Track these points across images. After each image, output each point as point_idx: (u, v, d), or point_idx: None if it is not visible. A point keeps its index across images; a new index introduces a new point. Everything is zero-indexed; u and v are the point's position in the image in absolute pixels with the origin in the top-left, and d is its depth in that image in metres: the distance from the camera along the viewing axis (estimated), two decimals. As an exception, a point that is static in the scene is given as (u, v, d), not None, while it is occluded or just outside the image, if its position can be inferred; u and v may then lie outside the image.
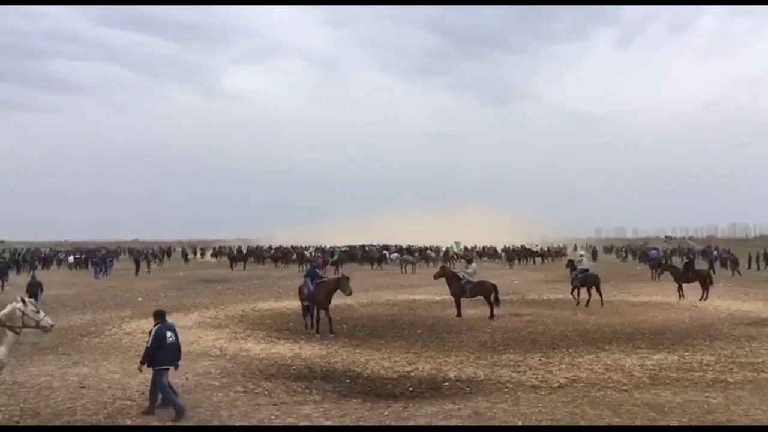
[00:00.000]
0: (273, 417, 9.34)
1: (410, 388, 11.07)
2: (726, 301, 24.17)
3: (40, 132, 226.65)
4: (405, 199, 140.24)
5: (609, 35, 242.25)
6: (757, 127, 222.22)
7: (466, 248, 66.16)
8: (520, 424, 8.85)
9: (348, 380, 11.74)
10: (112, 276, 42.92)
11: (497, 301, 20.19)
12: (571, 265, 24.95)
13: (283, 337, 16.53)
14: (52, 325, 10.45)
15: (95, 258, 49.72)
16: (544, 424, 8.85)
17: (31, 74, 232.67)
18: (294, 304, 18.95)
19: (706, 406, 9.59)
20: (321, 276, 18.50)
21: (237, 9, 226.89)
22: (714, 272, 32.45)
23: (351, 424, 8.99)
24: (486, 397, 10.37)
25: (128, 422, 9.13)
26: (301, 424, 9.03)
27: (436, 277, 21.80)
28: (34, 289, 22.06)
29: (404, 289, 30.41)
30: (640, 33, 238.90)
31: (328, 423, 9.04)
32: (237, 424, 9.02)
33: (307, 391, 10.91)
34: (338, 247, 63.23)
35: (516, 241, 71.61)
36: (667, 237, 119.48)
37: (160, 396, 9.60)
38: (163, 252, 71.70)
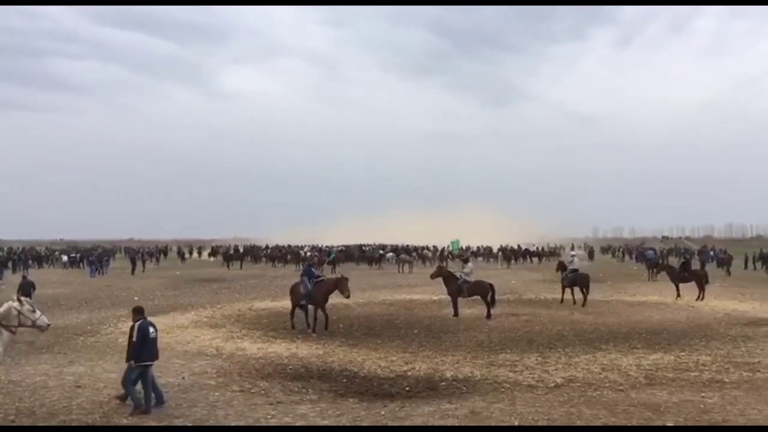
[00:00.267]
0: (269, 416, 9.32)
1: (407, 388, 11.07)
2: (722, 301, 24.21)
3: (39, 131, 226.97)
4: (404, 199, 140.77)
5: (608, 35, 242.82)
6: (756, 128, 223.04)
7: (461, 248, 66.12)
8: (516, 423, 8.85)
9: (345, 380, 11.73)
10: (108, 275, 42.84)
11: (494, 300, 20.21)
12: (561, 266, 25.35)
13: (279, 337, 16.51)
14: (48, 325, 10.43)
15: (91, 257, 49.64)
16: (540, 423, 8.84)
17: (30, 74, 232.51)
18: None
19: (702, 406, 9.60)
20: (317, 275, 18.51)
21: (237, 9, 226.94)
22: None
23: (347, 424, 8.98)
24: (483, 396, 10.37)
25: (124, 422, 9.10)
26: (298, 423, 9.02)
27: (433, 276, 21.81)
28: (26, 289, 21.96)
29: (401, 289, 30.42)
30: (639, 33, 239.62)
31: (325, 422, 9.03)
32: (233, 424, 9.00)
33: (304, 390, 10.89)
34: (334, 247, 63.26)
35: (514, 240, 71.68)
36: (664, 237, 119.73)
37: (153, 395, 9.60)
38: (160, 251, 71.63)
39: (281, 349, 14.84)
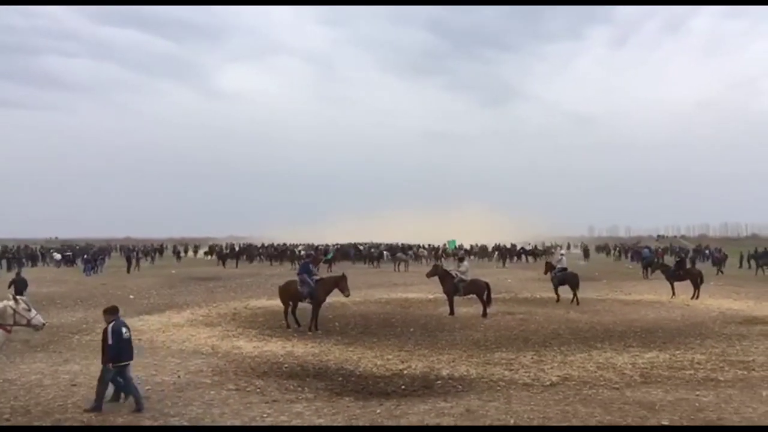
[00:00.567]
0: (265, 415, 9.32)
1: (403, 386, 11.08)
2: (717, 299, 24.28)
3: (35, 130, 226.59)
4: (401, 198, 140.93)
5: (604, 35, 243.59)
6: (752, 128, 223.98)
7: (456, 247, 66.13)
8: (512, 422, 8.86)
9: (340, 378, 11.73)
10: (104, 273, 42.72)
11: (490, 299, 20.23)
12: (549, 266, 25.99)
13: (275, 335, 16.50)
14: (43, 324, 10.41)
15: (86, 255, 49.49)
16: (535, 422, 8.86)
17: (26, 72, 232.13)
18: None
19: (696, 405, 9.63)
20: (315, 273, 18.52)
21: (234, 7, 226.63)
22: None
23: (343, 422, 8.97)
24: (478, 395, 10.38)
25: (119, 420, 9.09)
26: (293, 422, 9.01)
27: (429, 275, 21.82)
28: (19, 286, 21.93)
29: (397, 288, 30.43)
30: (635, 33, 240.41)
31: (320, 421, 9.03)
32: (229, 422, 8.99)
33: (300, 389, 10.89)
34: (330, 246, 63.24)
35: (510, 239, 71.70)
36: (659, 236, 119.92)
37: (135, 391, 9.64)
38: (156, 250, 71.46)
39: (277, 347, 14.83)
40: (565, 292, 23.91)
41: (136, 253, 57.03)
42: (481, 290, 20.23)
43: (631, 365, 12.64)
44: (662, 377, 11.60)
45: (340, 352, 14.30)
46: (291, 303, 18.21)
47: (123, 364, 9.60)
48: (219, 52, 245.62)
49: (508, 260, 55.25)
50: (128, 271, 43.31)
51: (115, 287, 31.09)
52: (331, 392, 10.69)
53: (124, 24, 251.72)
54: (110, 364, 9.54)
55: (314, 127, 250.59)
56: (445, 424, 8.78)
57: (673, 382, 11.24)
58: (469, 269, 21.75)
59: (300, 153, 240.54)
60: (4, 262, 48.02)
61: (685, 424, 8.76)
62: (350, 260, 56.96)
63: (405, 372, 12.25)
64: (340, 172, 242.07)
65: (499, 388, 10.89)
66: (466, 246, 68.24)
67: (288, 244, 73.34)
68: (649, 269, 35.91)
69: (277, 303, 22.44)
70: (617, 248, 73.17)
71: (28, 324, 10.09)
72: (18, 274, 25.85)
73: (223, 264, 50.79)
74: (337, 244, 68.00)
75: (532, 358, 13.47)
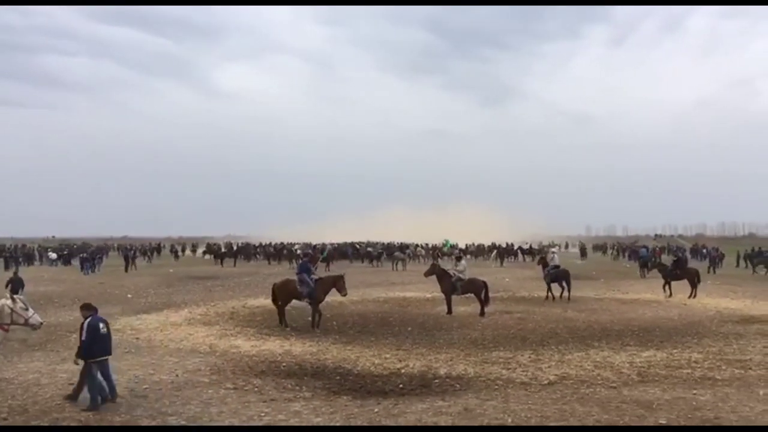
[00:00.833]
0: (263, 414, 9.32)
1: (400, 385, 11.08)
2: (714, 298, 24.32)
3: (32, 128, 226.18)
4: (400, 197, 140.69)
5: (602, 34, 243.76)
6: (749, 128, 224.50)
7: (451, 246, 66.12)
8: (509, 421, 8.87)
9: (338, 377, 11.73)
10: (102, 272, 42.67)
11: (488, 298, 20.25)
12: (543, 262, 26.12)
13: (273, 334, 16.50)
14: (41, 323, 10.42)
15: (85, 254, 49.40)
16: (533, 421, 8.87)
17: (23, 70, 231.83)
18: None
19: (694, 403, 9.65)
20: (313, 272, 18.53)
21: (233, 7, 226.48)
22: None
23: (341, 421, 8.98)
24: (476, 394, 10.39)
25: (117, 419, 9.09)
26: (291, 421, 9.02)
27: (427, 274, 21.83)
28: (15, 286, 21.91)
29: (395, 287, 30.42)
30: (633, 32, 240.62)
31: (318, 420, 9.04)
32: (227, 421, 8.99)
33: (297, 388, 10.89)
34: (328, 245, 63.21)
35: (508, 238, 71.70)
36: (656, 235, 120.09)
37: (99, 390, 9.65)
38: (153, 249, 71.36)
39: (275, 346, 14.83)
40: (565, 293, 24.04)
41: (134, 252, 56.94)
42: (479, 289, 20.24)
43: (628, 364, 12.65)
44: (659, 376, 11.62)
45: (338, 351, 14.30)
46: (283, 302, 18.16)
47: (101, 359, 9.67)
48: (218, 51, 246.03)
49: (505, 259, 55.22)
50: (126, 270, 43.27)
51: (113, 286, 31.06)
52: (329, 391, 10.70)
53: (122, 23, 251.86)
54: (89, 359, 9.60)
55: (313, 126, 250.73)
56: (442, 423, 8.79)
57: (670, 380, 11.26)
58: (467, 268, 21.76)
59: (298, 152, 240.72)
60: (1, 261, 47.94)
61: (682, 422, 8.78)
62: (348, 259, 56.97)
63: (403, 371, 12.25)
64: (338, 171, 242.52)
65: (496, 387, 10.90)
66: (462, 245, 68.13)
67: (286, 244, 73.30)
68: (647, 268, 36.07)
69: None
70: (615, 247, 73.20)
71: (26, 323, 10.09)
72: (15, 273, 25.82)
73: (221, 263, 50.75)
74: (333, 244, 67.94)
75: (529, 357, 13.48)
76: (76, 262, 49.52)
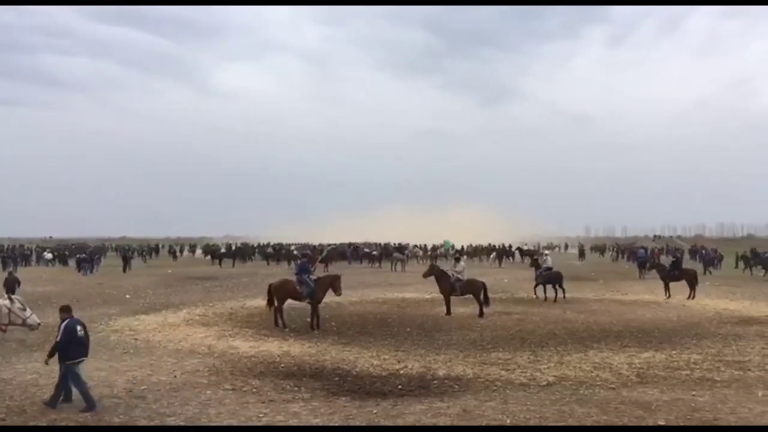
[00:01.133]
0: (261, 415, 9.30)
1: (399, 386, 11.07)
2: (713, 300, 24.33)
3: (29, 128, 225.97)
4: (399, 197, 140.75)
5: (601, 35, 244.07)
6: (748, 128, 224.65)
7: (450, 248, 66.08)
8: (508, 422, 8.87)
9: (337, 378, 11.72)
10: (100, 273, 42.62)
11: (487, 299, 20.23)
12: (535, 264, 26.21)
13: (272, 335, 16.48)
14: (39, 323, 10.40)
15: (84, 254, 49.34)
16: (532, 422, 8.86)
17: (21, 69, 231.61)
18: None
19: (693, 405, 9.64)
20: (312, 273, 18.52)
21: (232, 6, 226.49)
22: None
23: (340, 423, 8.97)
24: (475, 395, 10.38)
25: (115, 420, 9.07)
26: (290, 422, 9.00)
27: (426, 275, 21.81)
28: (11, 285, 21.90)
29: (394, 287, 30.38)
30: (632, 33, 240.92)
31: (317, 421, 9.02)
32: (225, 422, 8.97)
33: (296, 389, 10.88)
34: (327, 245, 63.20)
35: (507, 239, 71.70)
36: (655, 236, 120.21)
37: (63, 391, 9.69)
38: (152, 249, 71.35)
39: (273, 347, 14.81)
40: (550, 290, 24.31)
41: (132, 252, 56.92)
42: (477, 290, 20.24)
43: (627, 365, 12.65)
44: (658, 377, 11.62)
45: (337, 352, 14.29)
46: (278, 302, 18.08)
47: (76, 361, 9.71)
48: (216, 51, 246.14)
49: (504, 260, 55.17)
50: (124, 270, 43.22)
51: (112, 287, 31.02)
52: (327, 392, 10.68)
53: (121, 22, 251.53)
54: (66, 361, 9.63)
55: (311, 126, 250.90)
56: (441, 424, 8.78)
57: (669, 382, 11.26)
58: (466, 269, 21.75)
59: (297, 152, 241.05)
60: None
61: (681, 424, 8.78)
62: (346, 260, 56.94)
63: (402, 372, 12.24)
64: (337, 171, 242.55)
65: (495, 388, 10.89)
66: (460, 246, 68.07)
67: (284, 244, 73.28)
68: (646, 269, 36.12)
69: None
70: (615, 248, 73.18)
71: (24, 323, 10.07)
72: (10, 273, 25.79)
73: (219, 264, 50.72)
74: (330, 244, 67.93)
75: (528, 358, 13.48)
76: (72, 262, 49.41)
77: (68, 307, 10.23)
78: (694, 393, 10.38)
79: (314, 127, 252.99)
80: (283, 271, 38.40)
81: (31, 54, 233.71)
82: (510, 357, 13.55)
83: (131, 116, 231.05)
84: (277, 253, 58.83)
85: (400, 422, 8.91)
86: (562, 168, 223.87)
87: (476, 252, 64.47)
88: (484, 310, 19.87)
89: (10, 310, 9.81)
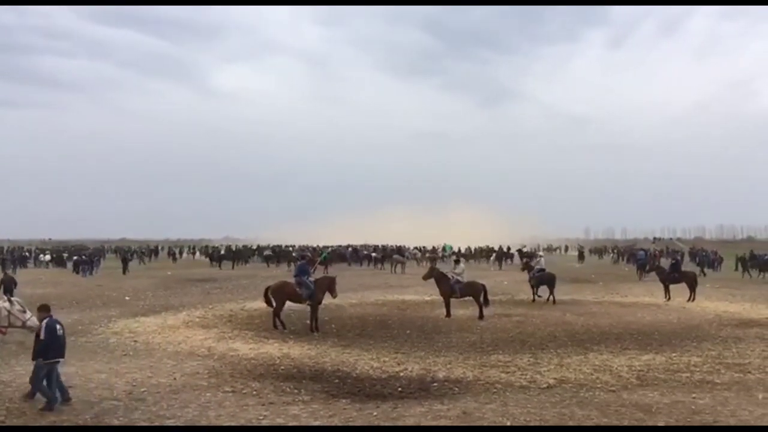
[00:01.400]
0: (261, 417, 9.29)
1: (399, 389, 11.06)
2: (713, 302, 24.33)
3: (27, 129, 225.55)
4: (397, 199, 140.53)
5: (600, 36, 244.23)
6: (747, 130, 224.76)
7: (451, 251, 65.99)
8: (508, 424, 8.86)
9: (337, 380, 11.71)
10: (99, 275, 42.60)
11: (486, 301, 20.23)
12: (528, 266, 26.73)
13: (271, 337, 16.47)
14: (39, 325, 10.37)
15: (83, 256, 49.33)
16: (532, 424, 8.86)
17: (19, 70, 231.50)
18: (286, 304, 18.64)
19: (693, 407, 9.64)
20: (311, 274, 18.51)
21: (231, 7, 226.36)
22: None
23: (339, 425, 8.96)
24: (475, 397, 10.37)
25: (115, 422, 9.05)
26: (290, 424, 8.99)
27: (426, 277, 21.81)
28: (8, 285, 21.91)
29: (393, 289, 30.38)
30: (631, 34, 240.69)
31: (317, 423, 9.01)
32: (225, 425, 8.96)
33: (296, 391, 10.87)
34: (327, 247, 63.13)
35: (507, 241, 71.58)
36: (655, 238, 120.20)
37: (53, 391, 9.71)
38: (151, 251, 71.32)
39: (273, 349, 14.80)
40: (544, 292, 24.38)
41: (131, 254, 56.90)
42: (477, 292, 20.24)
43: (627, 368, 12.65)
44: (659, 380, 11.62)
45: (337, 354, 14.28)
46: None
47: (53, 361, 9.73)
48: (215, 51, 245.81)
49: (503, 262, 55.09)
50: (124, 272, 43.20)
51: (111, 288, 31.00)
52: (327, 394, 10.67)
53: (120, 24, 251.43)
54: (40, 359, 9.67)
55: (311, 127, 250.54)
56: (441, 426, 8.77)
57: (669, 384, 11.26)
58: (465, 271, 21.75)
59: (296, 153, 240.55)
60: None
61: (681, 426, 8.77)
62: (346, 262, 56.92)
63: (401, 374, 12.23)
64: (337, 172, 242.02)
65: (495, 390, 10.89)
66: (458, 249, 67.93)
67: (283, 246, 73.24)
68: (645, 271, 36.16)
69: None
70: (615, 250, 73.13)
71: (23, 325, 10.06)
72: (6, 274, 25.79)
73: (219, 265, 50.69)
74: (326, 247, 67.90)
75: (528, 360, 13.47)
76: (70, 264, 49.36)
77: (47, 307, 10.27)
78: (694, 395, 10.38)
79: (314, 127, 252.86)
80: (283, 273, 38.38)
81: (29, 55, 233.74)
82: (510, 359, 13.55)
83: (130, 117, 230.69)
84: (277, 255, 58.77)
85: (400, 424, 8.90)
86: (561, 169, 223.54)
87: (476, 254, 64.40)
88: (484, 312, 19.87)
89: (9, 312, 9.80)
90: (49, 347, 9.72)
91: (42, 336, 9.74)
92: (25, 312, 10.00)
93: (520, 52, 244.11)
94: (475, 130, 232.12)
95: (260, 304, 23.72)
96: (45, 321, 9.90)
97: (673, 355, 13.96)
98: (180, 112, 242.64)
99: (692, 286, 24.83)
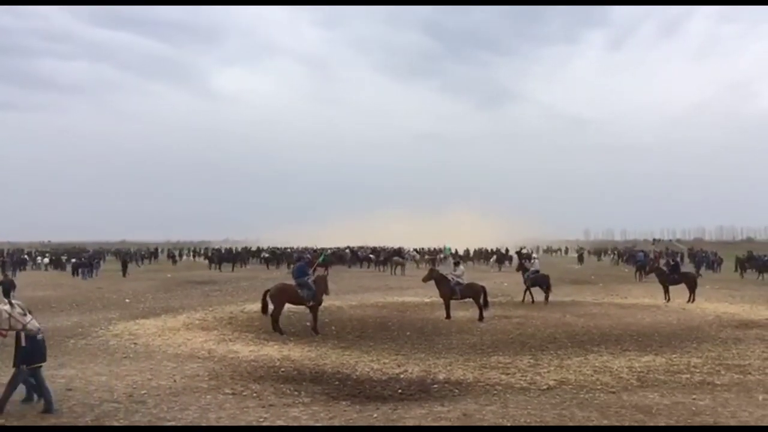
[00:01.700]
0: (261, 419, 9.29)
1: (399, 390, 11.06)
2: (713, 303, 24.34)
3: (27, 131, 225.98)
4: (397, 200, 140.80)
5: (600, 37, 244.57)
6: (747, 131, 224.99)
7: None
8: (508, 426, 8.86)
9: (337, 382, 11.71)
10: (99, 277, 42.60)
11: (486, 302, 20.23)
12: (522, 267, 26.79)
13: (272, 339, 16.46)
14: (39, 328, 10.36)
15: (83, 258, 49.32)
16: (532, 426, 8.85)
17: (18, 73, 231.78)
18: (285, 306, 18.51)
19: (693, 408, 9.64)
20: (310, 275, 18.50)
21: (229, 9, 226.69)
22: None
23: (340, 426, 8.96)
24: (475, 399, 10.37)
25: (115, 425, 9.04)
26: (290, 426, 8.99)
27: (425, 279, 21.82)
28: (6, 287, 21.90)
29: (393, 291, 30.37)
30: (631, 36, 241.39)
31: (317, 425, 9.01)
32: (225, 427, 8.96)
33: (296, 393, 10.87)
34: (328, 249, 63.17)
35: (506, 243, 71.63)
36: (655, 239, 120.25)
37: (47, 393, 9.71)
38: (151, 253, 71.34)
39: (273, 351, 14.80)
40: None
41: (130, 256, 56.91)
42: (477, 294, 20.24)
43: (627, 369, 12.65)
44: (659, 381, 11.62)
45: (337, 356, 14.28)
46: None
47: (36, 365, 9.74)
48: (215, 53, 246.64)
49: (503, 264, 55.09)
50: (124, 274, 43.19)
51: (111, 291, 31.00)
52: (327, 396, 10.67)
53: (120, 27, 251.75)
54: (24, 366, 9.65)
55: (310, 128, 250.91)
56: (442, 427, 8.77)
57: (669, 385, 11.26)
58: (465, 273, 21.76)
59: (296, 155, 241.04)
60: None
61: (681, 427, 8.77)
62: (346, 264, 56.92)
63: (402, 376, 12.23)
64: (336, 173, 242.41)
65: (495, 392, 10.88)
66: (457, 251, 67.85)
67: (282, 248, 73.26)
68: (644, 272, 36.22)
69: (273, 307, 22.43)
70: (614, 252, 73.17)
71: (23, 329, 10.03)
72: (5, 276, 25.78)
73: (219, 267, 50.68)
74: (324, 249, 67.91)
75: (528, 361, 13.47)
76: (68, 267, 49.33)
77: (28, 311, 10.23)
78: (694, 397, 10.38)
79: (313, 129, 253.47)
80: (283, 275, 38.38)
81: (29, 57, 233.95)
82: (510, 361, 13.55)
83: (130, 120, 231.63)
84: (276, 256, 58.76)
85: (400, 426, 8.89)
86: (561, 170, 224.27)
87: (476, 255, 64.39)
88: (484, 313, 19.88)
89: (10, 315, 9.78)
90: (32, 353, 9.72)
91: (23, 342, 9.75)
92: (25, 315, 9.99)
93: (519, 53, 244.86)
94: (474, 132, 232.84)
95: (260, 306, 23.75)
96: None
97: (673, 356, 13.97)
98: (179, 114, 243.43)
99: (692, 288, 24.85)
